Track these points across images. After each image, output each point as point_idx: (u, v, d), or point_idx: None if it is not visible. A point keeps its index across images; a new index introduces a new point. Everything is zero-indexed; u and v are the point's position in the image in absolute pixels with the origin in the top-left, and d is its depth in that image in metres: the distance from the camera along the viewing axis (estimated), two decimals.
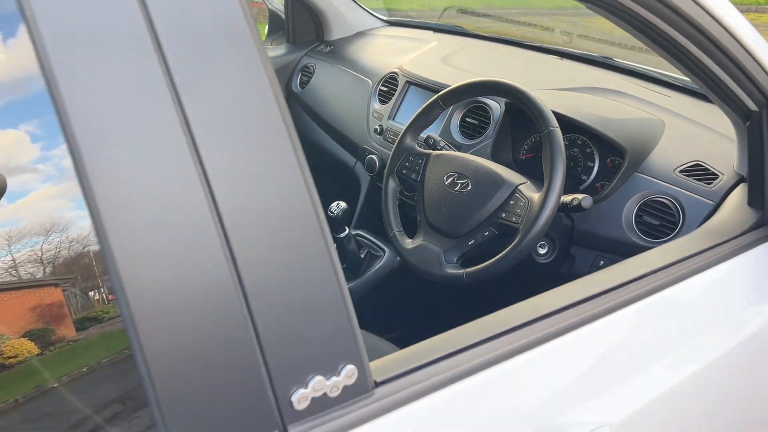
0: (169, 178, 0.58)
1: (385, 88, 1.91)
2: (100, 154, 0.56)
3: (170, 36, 0.58)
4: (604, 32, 1.89)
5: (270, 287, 0.63)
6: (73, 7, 0.55)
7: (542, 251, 1.41)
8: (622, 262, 1.01)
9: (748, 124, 1.09)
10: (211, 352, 0.61)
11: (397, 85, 1.87)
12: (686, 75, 1.07)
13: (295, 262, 0.64)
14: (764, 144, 1.10)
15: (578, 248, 1.39)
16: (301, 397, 0.65)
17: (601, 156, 1.42)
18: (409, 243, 1.43)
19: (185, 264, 0.59)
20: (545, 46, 1.89)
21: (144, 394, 0.60)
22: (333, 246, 0.66)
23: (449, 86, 1.47)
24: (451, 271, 1.33)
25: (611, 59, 1.74)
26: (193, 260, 0.59)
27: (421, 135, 1.53)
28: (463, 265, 1.33)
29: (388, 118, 1.84)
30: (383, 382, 0.71)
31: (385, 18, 2.40)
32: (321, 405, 0.66)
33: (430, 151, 1.47)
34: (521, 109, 1.34)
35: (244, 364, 0.62)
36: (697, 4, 0.91)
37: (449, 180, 1.39)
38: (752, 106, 1.07)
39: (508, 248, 1.24)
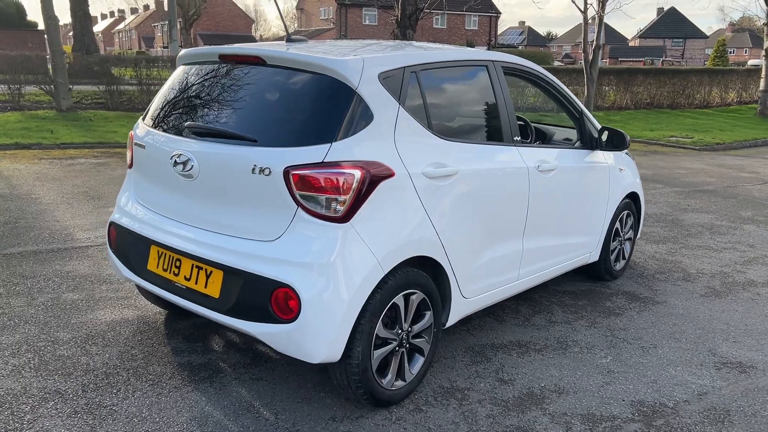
0: None
1: None
2: None
3: None
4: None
5: None
6: None
7: None
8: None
9: (578, 123, 4.57)
10: None
11: None
12: (559, 106, 4.55)
13: None
14: (582, 129, 4.54)
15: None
16: None
17: (538, 136, 5.07)
18: None
19: None
20: None
21: None
22: None
23: None
24: None
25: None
26: None
27: None
28: None
29: None
30: None
31: None
32: None
33: None
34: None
35: None
36: (554, 82, 4.39)
37: None
38: (576, 115, 4.51)
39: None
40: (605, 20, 15.98)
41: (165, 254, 3.20)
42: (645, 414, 3.15)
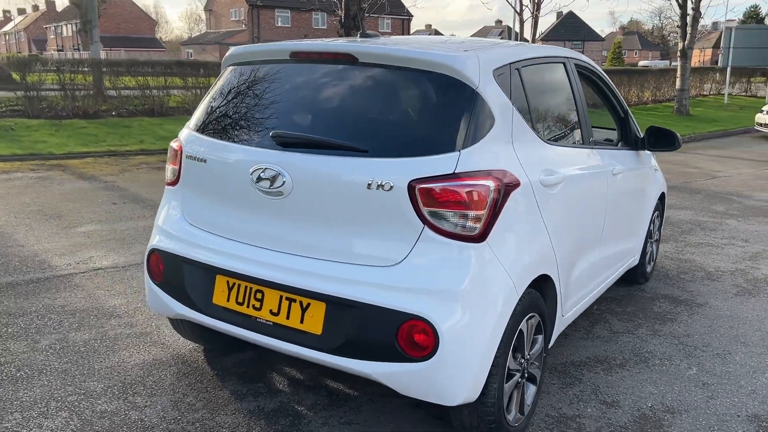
0: None
1: None
2: None
3: None
4: None
5: None
6: None
7: None
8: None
9: (623, 123, 4.27)
10: None
11: None
12: (608, 104, 4.26)
13: None
14: (628, 129, 4.28)
15: None
16: None
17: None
18: None
19: None
20: None
21: None
22: None
23: None
24: None
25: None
26: None
27: None
28: None
29: None
30: None
31: None
32: None
33: None
34: None
35: None
36: (609, 81, 4.13)
37: None
38: (622, 115, 4.23)
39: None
40: (509, 24, 16.25)
41: (239, 285, 2.72)
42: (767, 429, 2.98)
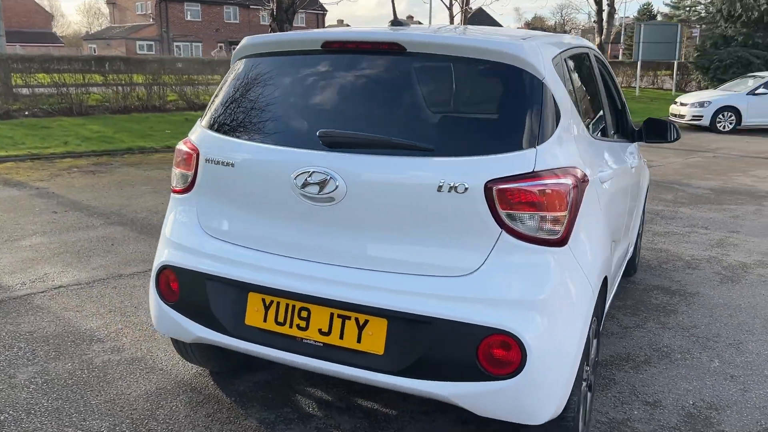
0: None
1: None
2: None
3: None
4: None
5: None
6: None
7: None
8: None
9: (620, 114, 3.92)
10: None
11: None
12: (607, 95, 3.66)
13: None
14: (625, 121, 3.98)
15: None
16: None
17: None
18: None
19: None
20: None
21: None
22: None
23: None
24: None
25: None
26: None
27: None
28: None
29: None
30: None
31: None
32: None
33: None
34: None
35: None
36: (612, 73, 3.93)
37: None
38: (619, 107, 3.92)
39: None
40: (419, 20, 16.32)
41: (278, 303, 2.42)
42: None
